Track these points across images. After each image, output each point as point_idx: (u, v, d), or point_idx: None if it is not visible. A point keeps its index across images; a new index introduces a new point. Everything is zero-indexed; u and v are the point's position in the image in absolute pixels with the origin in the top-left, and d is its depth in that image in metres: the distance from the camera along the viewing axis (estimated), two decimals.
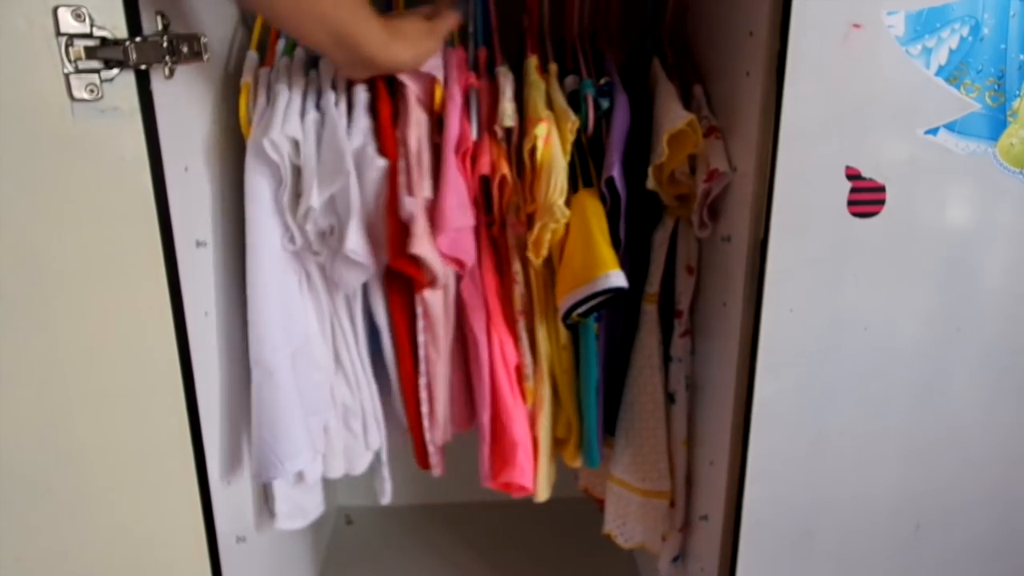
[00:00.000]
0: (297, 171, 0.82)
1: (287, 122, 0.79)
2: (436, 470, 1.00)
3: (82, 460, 0.71)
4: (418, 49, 0.79)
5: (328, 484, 1.01)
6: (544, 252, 0.85)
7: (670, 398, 0.98)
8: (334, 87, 0.83)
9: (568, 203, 0.83)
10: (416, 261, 0.84)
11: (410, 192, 0.82)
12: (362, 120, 0.83)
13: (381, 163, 0.82)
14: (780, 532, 0.87)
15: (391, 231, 0.84)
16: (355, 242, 0.81)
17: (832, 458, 0.85)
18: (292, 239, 0.84)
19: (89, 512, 0.73)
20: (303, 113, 0.81)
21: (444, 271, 0.87)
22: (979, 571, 0.93)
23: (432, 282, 0.87)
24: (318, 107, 0.83)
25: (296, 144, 0.80)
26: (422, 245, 0.82)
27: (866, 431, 0.84)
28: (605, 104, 0.87)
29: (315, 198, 0.80)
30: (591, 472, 1.11)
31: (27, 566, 0.72)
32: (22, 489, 0.71)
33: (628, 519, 1.04)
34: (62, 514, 0.72)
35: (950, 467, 0.87)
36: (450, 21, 0.83)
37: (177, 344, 0.71)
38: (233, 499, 0.87)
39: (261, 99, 0.82)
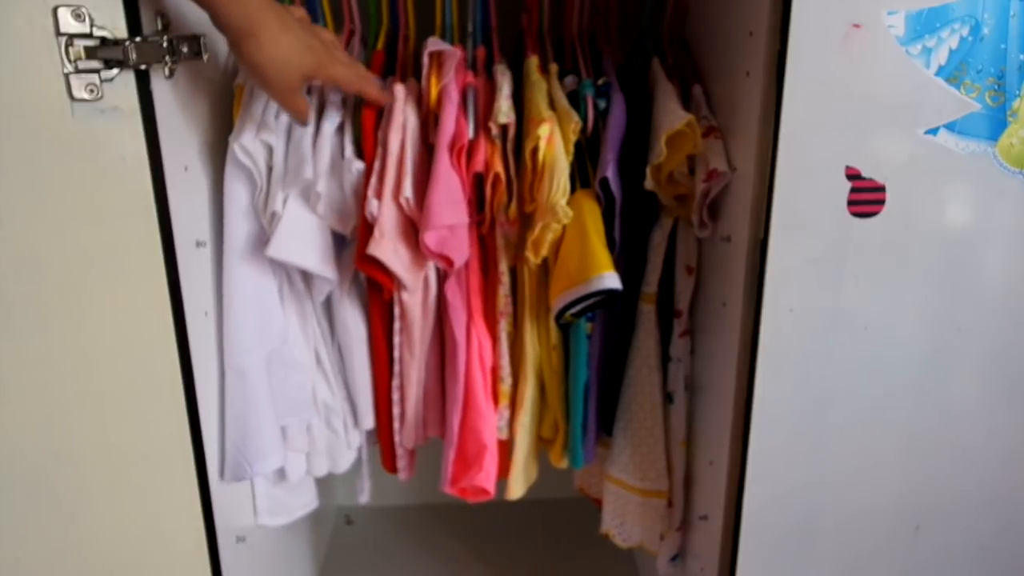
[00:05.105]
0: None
1: (263, 126, 0.79)
2: (403, 474, 0.99)
3: (82, 460, 0.71)
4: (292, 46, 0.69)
5: (328, 484, 1.00)
6: (544, 252, 0.85)
7: (668, 398, 0.98)
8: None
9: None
10: (380, 265, 0.83)
11: (377, 195, 0.82)
12: (330, 124, 0.83)
13: (359, 166, 0.82)
14: (780, 532, 0.87)
15: (360, 233, 0.84)
16: (275, 247, 0.79)
17: (832, 458, 0.85)
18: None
19: (89, 512, 0.73)
20: (278, 115, 0.81)
21: (415, 276, 0.86)
22: (979, 571, 0.93)
23: (400, 287, 0.87)
24: None
25: (271, 148, 0.80)
26: (381, 248, 0.81)
27: (866, 431, 0.84)
28: (602, 104, 0.87)
29: (279, 203, 0.79)
30: (587, 472, 1.11)
31: (27, 566, 0.72)
32: (22, 489, 0.70)
33: (626, 519, 1.04)
34: (62, 514, 0.72)
35: (950, 467, 0.87)
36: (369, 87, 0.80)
37: (177, 344, 0.71)
38: (233, 499, 0.87)
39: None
